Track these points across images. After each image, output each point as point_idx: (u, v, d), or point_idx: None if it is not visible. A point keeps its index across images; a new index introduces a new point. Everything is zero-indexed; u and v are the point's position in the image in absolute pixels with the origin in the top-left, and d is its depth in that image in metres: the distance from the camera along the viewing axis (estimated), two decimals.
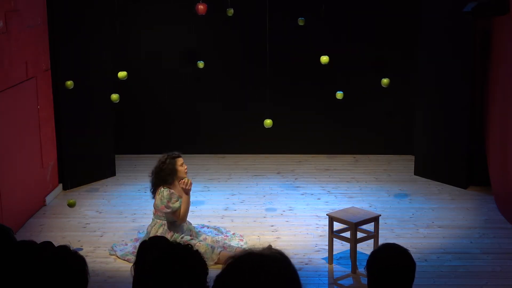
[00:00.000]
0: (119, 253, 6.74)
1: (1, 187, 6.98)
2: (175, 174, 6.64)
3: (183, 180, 6.64)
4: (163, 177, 6.62)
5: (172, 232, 6.59)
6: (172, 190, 6.58)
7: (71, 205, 6.81)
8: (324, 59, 7.50)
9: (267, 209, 8.06)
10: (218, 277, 1.87)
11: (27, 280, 2.37)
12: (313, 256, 6.73)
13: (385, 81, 7.54)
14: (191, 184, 6.67)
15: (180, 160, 6.68)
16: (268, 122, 7.54)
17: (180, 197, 6.61)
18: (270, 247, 1.96)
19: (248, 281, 1.80)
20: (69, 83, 7.20)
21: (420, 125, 9.18)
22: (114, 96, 7.28)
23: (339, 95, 7.91)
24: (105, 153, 9.13)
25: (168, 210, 6.52)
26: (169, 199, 6.52)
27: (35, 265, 2.39)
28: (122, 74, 7.23)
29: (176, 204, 6.54)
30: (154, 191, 6.68)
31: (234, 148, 10.21)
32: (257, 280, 1.80)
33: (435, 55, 8.75)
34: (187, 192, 6.63)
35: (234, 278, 1.83)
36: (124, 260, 6.62)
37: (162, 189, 6.57)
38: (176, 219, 6.60)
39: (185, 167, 6.71)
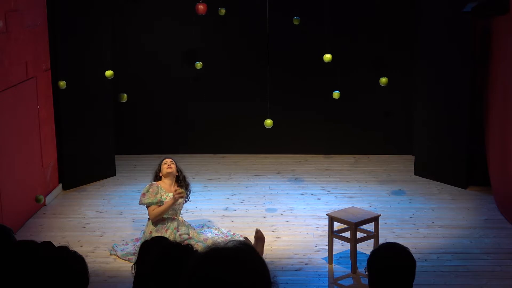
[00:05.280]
0: (119, 253, 6.75)
1: (1, 187, 6.98)
2: (159, 171, 6.80)
3: (179, 189, 6.61)
4: (155, 174, 6.84)
5: (165, 227, 6.58)
6: (155, 185, 6.63)
7: (39, 201, 6.62)
8: (328, 57, 7.49)
9: (267, 209, 8.06)
10: (185, 276, 1.86)
11: (27, 280, 2.37)
12: (313, 256, 6.73)
13: (383, 80, 7.53)
14: (181, 195, 6.55)
15: (165, 161, 6.79)
16: (268, 122, 7.55)
17: (164, 194, 6.62)
18: (234, 240, 1.96)
19: (214, 276, 1.80)
20: (62, 83, 7.18)
21: (420, 125, 9.18)
22: (124, 96, 7.32)
23: (336, 94, 7.92)
24: (105, 153, 9.13)
25: (140, 203, 6.63)
26: (145, 192, 6.59)
27: (35, 265, 2.38)
28: (108, 73, 7.27)
29: (147, 200, 6.56)
30: None
31: (234, 148, 10.21)
32: (222, 273, 1.80)
33: (435, 55, 8.75)
34: (175, 198, 6.54)
35: (200, 275, 1.82)
36: (125, 260, 6.63)
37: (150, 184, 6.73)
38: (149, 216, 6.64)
39: (168, 166, 6.70)
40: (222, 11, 8.25)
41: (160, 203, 6.54)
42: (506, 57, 7.60)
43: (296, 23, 8.09)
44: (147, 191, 6.59)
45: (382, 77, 7.55)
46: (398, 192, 8.61)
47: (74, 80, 8.37)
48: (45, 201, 8.16)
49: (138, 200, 6.71)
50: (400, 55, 9.84)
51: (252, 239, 7.09)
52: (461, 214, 7.86)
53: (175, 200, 6.53)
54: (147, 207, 6.60)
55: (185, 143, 10.17)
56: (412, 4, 9.48)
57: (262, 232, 6.18)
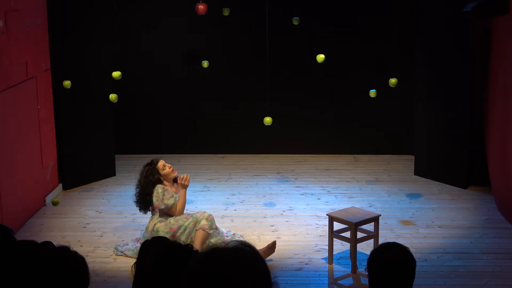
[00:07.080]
0: (128, 253, 6.70)
1: (1, 187, 6.98)
2: (162, 181, 6.74)
3: (182, 176, 6.74)
4: (153, 185, 6.68)
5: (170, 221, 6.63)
6: (166, 187, 6.69)
7: (55, 204, 6.76)
8: (321, 57, 7.47)
9: (267, 209, 8.06)
10: (186, 276, 1.85)
11: (27, 280, 2.37)
12: (313, 256, 6.73)
13: (392, 81, 7.49)
14: (189, 180, 6.75)
15: (160, 165, 6.76)
16: (267, 120, 7.57)
17: (175, 192, 6.72)
18: (235, 240, 1.96)
19: (215, 276, 1.80)
20: (67, 83, 7.22)
21: (420, 125, 9.18)
22: (113, 96, 7.31)
23: (373, 93, 7.81)
24: (105, 153, 9.12)
25: (163, 207, 6.62)
26: (163, 196, 6.60)
27: (35, 265, 2.39)
28: (116, 74, 7.25)
29: (170, 201, 6.64)
30: (142, 203, 6.72)
31: (234, 148, 10.21)
32: (223, 273, 1.79)
33: (435, 55, 8.75)
34: (184, 187, 6.71)
35: (201, 275, 1.82)
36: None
37: (157, 186, 6.66)
38: (172, 215, 6.67)
39: (168, 166, 6.80)
40: (226, 11, 8.20)
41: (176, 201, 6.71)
42: (506, 57, 7.60)
43: (295, 23, 8.06)
44: (163, 194, 6.62)
45: (392, 78, 7.50)
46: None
47: (74, 80, 8.35)
48: (45, 201, 8.17)
49: (160, 205, 6.62)
50: (400, 55, 9.83)
51: (252, 239, 7.10)
52: (461, 214, 7.86)
53: (185, 188, 6.71)
54: (169, 208, 6.65)
55: (185, 143, 10.17)
56: (412, 4, 9.48)
57: (275, 245, 6.34)
